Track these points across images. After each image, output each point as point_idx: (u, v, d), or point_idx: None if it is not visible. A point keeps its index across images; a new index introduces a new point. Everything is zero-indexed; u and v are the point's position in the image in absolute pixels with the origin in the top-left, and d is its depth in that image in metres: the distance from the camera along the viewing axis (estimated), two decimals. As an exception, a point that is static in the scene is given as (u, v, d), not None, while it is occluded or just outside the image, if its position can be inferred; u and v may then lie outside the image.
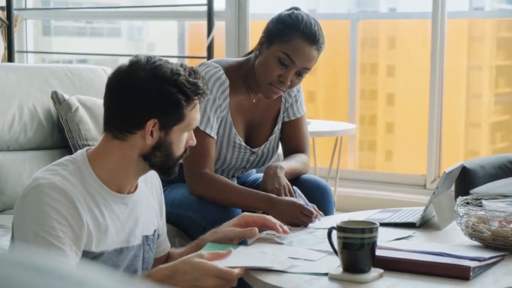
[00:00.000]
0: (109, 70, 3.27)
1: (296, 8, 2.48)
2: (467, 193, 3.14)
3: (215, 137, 2.45)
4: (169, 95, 1.79)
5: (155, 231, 2.00)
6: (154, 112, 1.80)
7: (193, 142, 1.91)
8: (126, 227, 1.89)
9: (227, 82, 2.46)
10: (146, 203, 1.97)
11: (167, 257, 2.11)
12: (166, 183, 2.46)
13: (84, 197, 1.78)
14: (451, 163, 2.30)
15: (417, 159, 5.07)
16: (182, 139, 1.86)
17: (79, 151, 1.87)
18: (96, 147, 1.87)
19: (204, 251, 1.84)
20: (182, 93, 1.80)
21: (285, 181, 2.38)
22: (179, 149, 1.86)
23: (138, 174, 1.89)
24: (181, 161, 1.90)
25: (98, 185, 1.82)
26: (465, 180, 3.39)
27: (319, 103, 5.63)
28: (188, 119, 1.84)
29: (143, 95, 1.79)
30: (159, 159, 1.84)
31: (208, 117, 2.42)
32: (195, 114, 1.86)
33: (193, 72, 1.85)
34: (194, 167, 2.39)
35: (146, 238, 1.96)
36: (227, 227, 2.05)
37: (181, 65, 1.86)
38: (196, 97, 1.84)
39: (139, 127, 1.80)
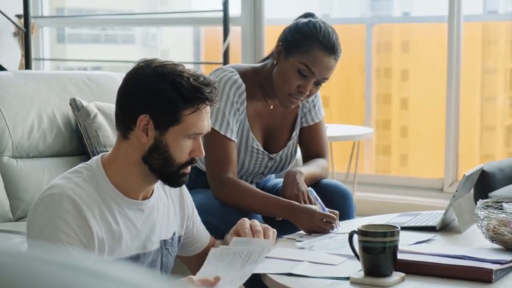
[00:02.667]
0: (127, 77, 3.29)
1: (312, 15, 2.45)
2: (486, 196, 3.13)
3: (236, 141, 2.44)
4: (162, 92, 1.77)
5: (174, 234, 1.99)
6: (147, 108, 1.78)
7: (200, 154, 1.84)
8: (142, 233, 1.88)
9: (243, 86, 2.44)
10: (164, 207, 1.95)
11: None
12: (187, 189, 2.46)
13: (98, 205, 1.78)
14: (467, 167, 2.30)
15: (432, 163, 5.05)
16: (182, 144, 1.80)
17: (94, 157, 1.86)
18: (110, 152, 1.87)
19: (193, 276, 1.78)
20: (178, 93, 1.77)
21: (304, 187, 2.36)
22: (179, 154, 1.81)
23: (146, 180, 1.85)
24: (184, 170, 1.84)
25: (112, 191, 1.81)
26: (484, 183, 3.38)
27: (334, 108, 5.63)
28: (185, 123, 1.79)
29: (140, 90, 1.79)
30: (158, 163, 1.80)
31: (227, 121, 2.41)
32: (195, 120, 1.80)
33: (202, 77, 1.81)
34: (217, 172, 2.38)
35: (164, 242, 1.94)
36: (231, 233, 2.01)
37: (193, 71, 1.83)
38: (197, 102, 1.79)
39: (134, 122, 1.79)
